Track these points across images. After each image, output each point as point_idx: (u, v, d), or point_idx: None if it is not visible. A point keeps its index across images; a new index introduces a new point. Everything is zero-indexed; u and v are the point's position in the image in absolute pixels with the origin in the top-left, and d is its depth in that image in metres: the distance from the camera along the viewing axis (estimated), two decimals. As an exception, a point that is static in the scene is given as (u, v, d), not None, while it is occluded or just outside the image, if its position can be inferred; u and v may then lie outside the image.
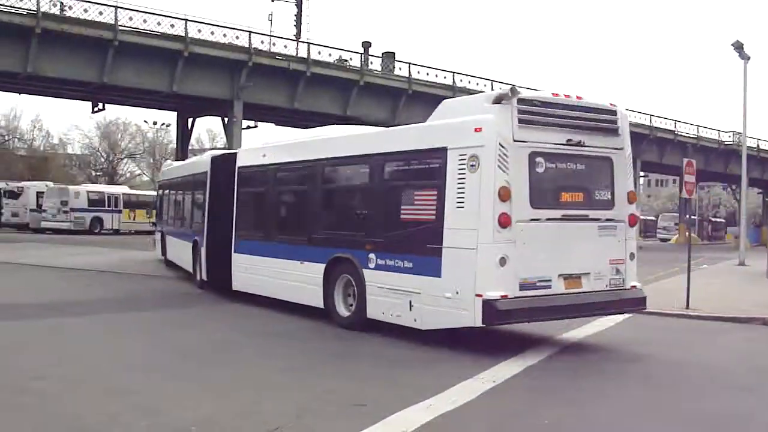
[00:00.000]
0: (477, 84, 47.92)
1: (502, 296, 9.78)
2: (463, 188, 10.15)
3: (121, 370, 9.11)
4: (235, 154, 16.85)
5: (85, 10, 35.09)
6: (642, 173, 66.25)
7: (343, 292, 12.49)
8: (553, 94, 10.75)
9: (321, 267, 12.75)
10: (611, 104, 11.28)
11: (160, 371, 9.14)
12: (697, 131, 63.67)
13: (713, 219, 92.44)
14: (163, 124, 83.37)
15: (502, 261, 9.83)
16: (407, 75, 45.21)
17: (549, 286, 10.24)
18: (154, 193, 62.15)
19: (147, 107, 50.29)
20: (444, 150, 10.43)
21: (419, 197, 10.99)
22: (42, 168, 72.71)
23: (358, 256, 11.93)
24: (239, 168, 15.90)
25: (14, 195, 50.90)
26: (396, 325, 11.30)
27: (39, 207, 49.65)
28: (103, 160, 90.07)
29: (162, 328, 12.68)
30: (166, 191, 24.63)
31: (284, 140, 16.14)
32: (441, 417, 7.23)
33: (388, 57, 46.63)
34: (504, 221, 9.81)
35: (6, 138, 74.59)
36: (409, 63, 45.80)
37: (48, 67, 35.23)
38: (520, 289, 9.97)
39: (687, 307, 15.69)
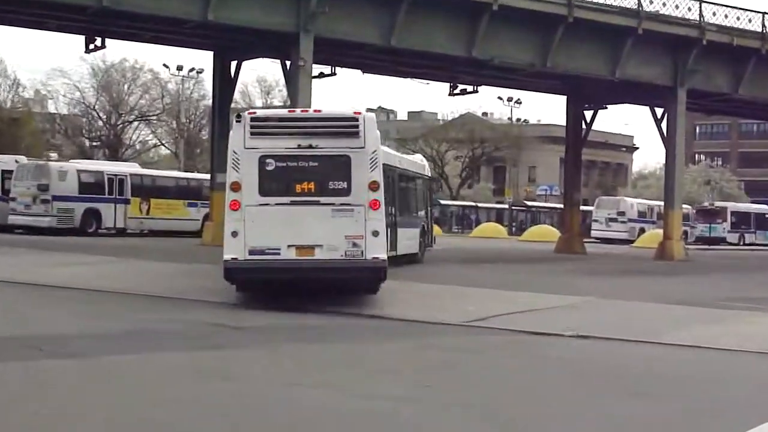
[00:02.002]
0: (677, 7, 47.00)
1: (232, 258, 19.33)
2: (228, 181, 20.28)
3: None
4: None
5: None
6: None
7: None
8: (289, 110, 21.04)
9: None
10: (355, 112, 20.83)
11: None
12: None
13: None
14: (193, 69, 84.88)
15: (234, 234, 19.42)
16: (566, -6, 44.76)
17: (278, 253, 19.44)
18: (180, 174, 62.57)
19: (168, 44, 50.65)
20: (233, 152, 20.26)
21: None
22: (10, 134, 74.66)
23: None
24: None
25: (-32, 176, 51.19)
26: None
27: (5, 193, 50.24)
28: (101, 123, 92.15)
29: (187, 376, 13.04)
30: None
31: None
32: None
33: (539, -33, 46.16)
34: (233, 206, 19.51)
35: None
36: (569, -24, 45.29)
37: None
38: (250, 254, 19.34)
39: None
